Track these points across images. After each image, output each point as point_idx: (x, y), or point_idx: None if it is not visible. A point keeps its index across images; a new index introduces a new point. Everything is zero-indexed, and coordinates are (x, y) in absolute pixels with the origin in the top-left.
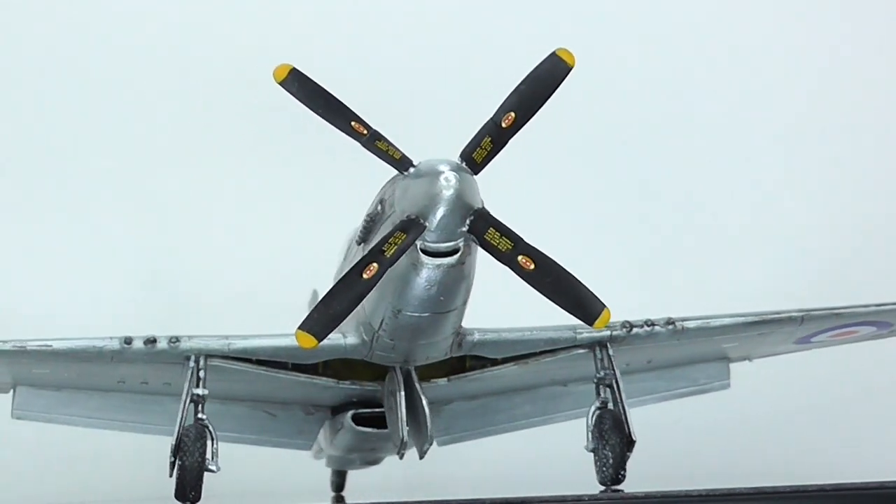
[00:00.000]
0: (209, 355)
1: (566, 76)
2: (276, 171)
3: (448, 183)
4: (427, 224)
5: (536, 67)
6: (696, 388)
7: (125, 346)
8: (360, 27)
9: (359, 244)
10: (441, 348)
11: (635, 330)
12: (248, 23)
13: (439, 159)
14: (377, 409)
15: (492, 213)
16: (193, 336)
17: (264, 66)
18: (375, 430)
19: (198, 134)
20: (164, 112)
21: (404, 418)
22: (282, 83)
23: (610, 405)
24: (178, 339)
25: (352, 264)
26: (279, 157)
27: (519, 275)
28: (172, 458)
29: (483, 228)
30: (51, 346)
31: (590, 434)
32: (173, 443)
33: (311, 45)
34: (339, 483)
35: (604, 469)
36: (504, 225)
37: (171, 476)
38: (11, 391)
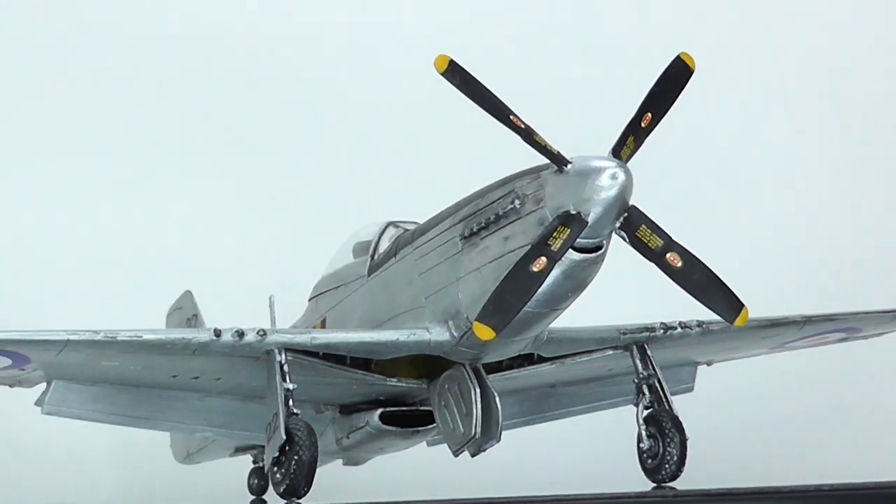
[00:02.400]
0: (289, 349)
1: (689, 78)
2: (276, 171)
3: (615, 180)
4: (588, 220)
5: (665, 71)
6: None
7: (214, 338)
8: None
9: (464, 238)
10: (526, 346)
11: (670, 332)
12: (247, 22)
13: (600, 156)
14: (404, 408)
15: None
16: (278, 329)
17: (264, 66)
18: (400, 429)
19: (198, 133)
20: (165, 111)
21: (480, 415)
22: (443, 74)
23: (661, 404)
24: (265, 332)
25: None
26: (280, 157)
27: (666, 272)
28: (277, 455)
29: (635, 225)
30: (141, 336)
31: (643, 433)
32: (281, 438)
33: (311, 45)
34: (264, 486)
35: (667, 466)
36: (655, 223)
37: (272, 472)
38: (45, 385)
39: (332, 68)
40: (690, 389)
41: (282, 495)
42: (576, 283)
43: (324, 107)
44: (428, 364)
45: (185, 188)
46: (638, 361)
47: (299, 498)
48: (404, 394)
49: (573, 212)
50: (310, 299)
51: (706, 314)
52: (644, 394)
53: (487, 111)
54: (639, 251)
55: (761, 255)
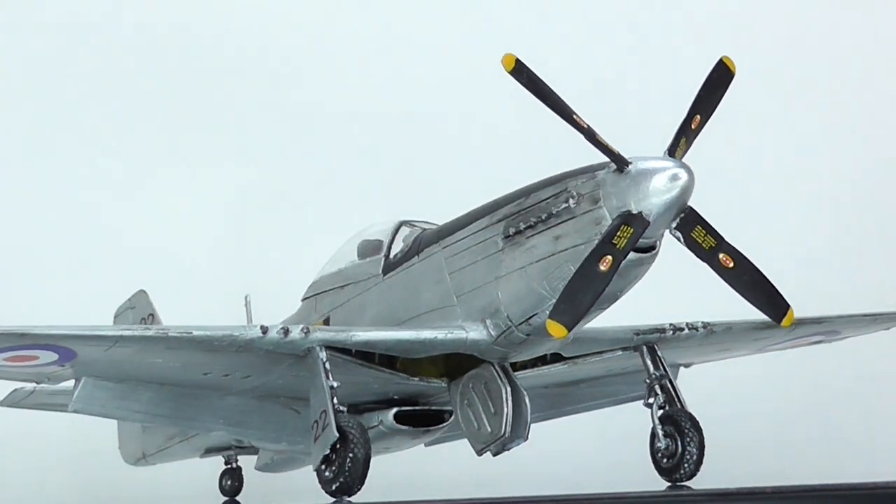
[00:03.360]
0: (328, 347)
1: (731, 81)
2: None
3: (677, 181)
4: (649, 219)
5: (709, 75)
6: (637, 393)
7: (261, 335)
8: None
9: (507, 237)
10: (558, 345)
11: (678, 332)
12: (249, 21)
13: (661, 157)
14: (417, 408)
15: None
16: (320, 327)
17: (263, 65)
18: (412, 429)
19: (199, 133)
20: (165, 111)
21: (510, 413)
22: (511, 72)
23: (673, 404)
24: (308, 330)
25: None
26: (280, 158)
27: (718, 272)
28: (328, 452)
29: (691, 226)
30: (191, 333)
31: (660, 432)
32: (334, 436)
33: (310, 44)
34: (238, 487)
35: (686, 466)
36: (710, 224)
37: (320, 470)
38: (75, 383)
39: (332, 68)
40: None
41: (333, 493)
42: (627, 281)
43: (323, 107)
44: (448, 363)
45: (177, 188)
46: (648, 361)
47: (351, 496)
48: (421, 393)
49: (634, 211)
50: (305, 298)
51: (687, 317)
52: (657, 394)
53: (552, 109)
54: (692, 251)
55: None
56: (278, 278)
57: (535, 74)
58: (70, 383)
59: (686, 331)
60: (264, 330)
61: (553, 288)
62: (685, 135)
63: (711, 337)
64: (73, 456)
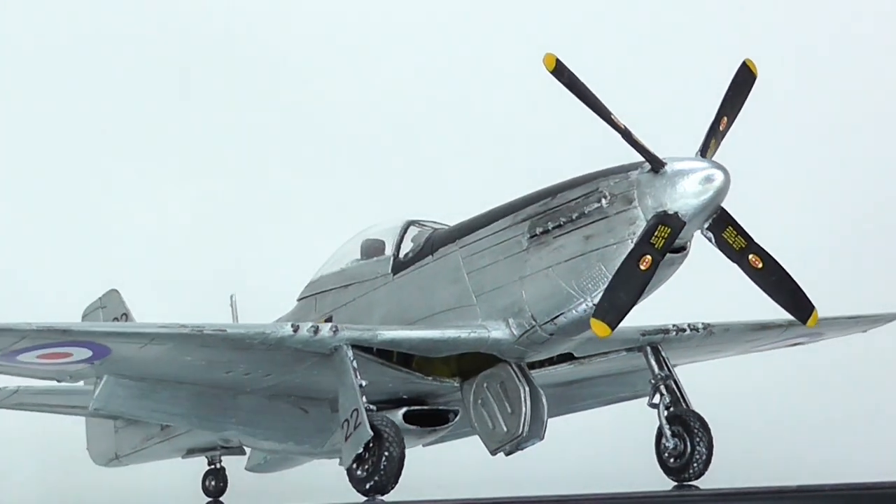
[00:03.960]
0: (354, 345)
1: (753, 83)
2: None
3: (714, 182)
4: (685, 220)
5: (734, 78)
6: (633, 393)
7: (292, 333)
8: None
9: (533, 237)
10: (574, 345)
11: (680, 333)
12: (246, 16)
13: (698, 158)
14: (424, 407)
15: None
16: (347, 326)
17: (262, 65)
18: (419, 428)
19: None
20: (166, 111)
21: (529, 413)
22: (552, 72)
23: (679, 404)
24: (337, 328)
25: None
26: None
27: (747, 272)
28: (360, 451)
29: (722, 227)
30: (225, 330)
31: (668, 432)
32: (368, 434)
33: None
34: (222, 488)
35: (695, 465)
36: (740, 225)
37: (351, 469)
38: (96, 381)
39: (330, 69)
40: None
41: (366, 492)
42: (658, 281)
43: (310, 107)
44: (460, 363)
45: (153, 188)
46: (653, 362)
47: (384, 495)
48: (432, 392)
49: (671, 212)
50: (302, 298)
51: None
52: (663, 394)
53: (591, 109)
54: (723, 252)
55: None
56: (253, 278)
57: (574, 75)
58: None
59: (688, 331)
60: (295, 328)
61: (581, 287)
62: (714, 136)
63: (710, 338)
64: (50, 457)
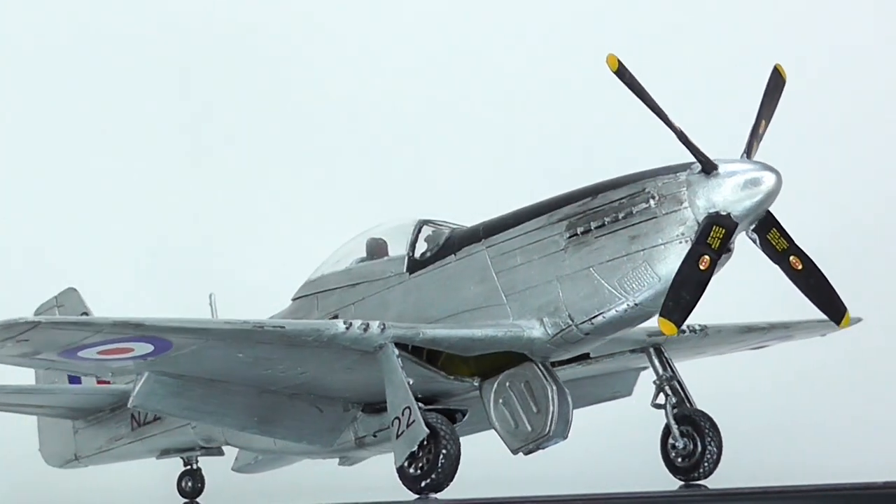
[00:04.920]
0: (397, 343)
1: (784, 86)
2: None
3: (766, 185)
4: (737, 221)
5: (767, 84)
6: (612, 394)
7: (344, 330)
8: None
9: (572, 237)
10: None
11: (680, 334)
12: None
13: (749, 160)
14: (438, 407)
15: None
16: (392, 323)
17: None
18: None
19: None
20: (167, 110)
21: (556, 411)
22: (615, 73)
23: (684, 404)
24: (385, 326)
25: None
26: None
27: (787, 273)
28: (415, 449)
29: (767, 228)
30: (283, 327)
31: (677, 432)
32: (424, 432)
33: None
34: (200, 488)
35: (706, 465)
36: (783, 226)
37: (403, 467)
38: (136, 378)
39: (327, 68)
40: (629, 394)
41: (420, 491)
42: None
43: (315, 109)
44: (480, 362)
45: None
46: (656, 362)
47: (438, 493)
48: (447, 392)
49: (723, 213)
50: (299, 297)
51: None
52: (668, 394)
53: (650, 108)
54: (766, 253)
55: None
56: (230, 277)
57: (633, 76)
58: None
59: (688, 333)
60: (347, 325)
61: (624, 287)
62: (755, 139)
63: (705, 339)
64: (17, 457)
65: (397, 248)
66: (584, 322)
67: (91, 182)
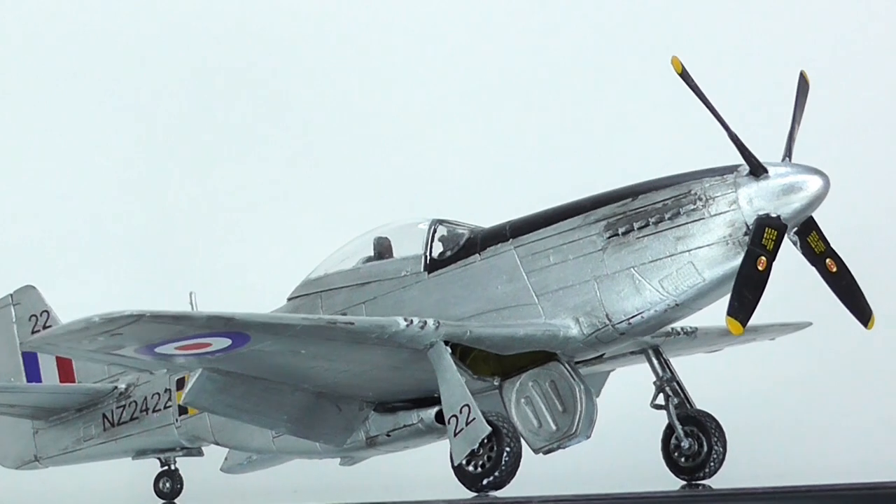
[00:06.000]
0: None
1: (808, 91)
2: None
3: (815, 189)
4: (786, 223)
5: (798, 90)
6: None
7: (406, 326)
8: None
9: (612, 236)
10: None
11: (674, 336)
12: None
13: (798, 164)
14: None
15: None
16: (444, 321)
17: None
18: (444, 426)
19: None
20: (167, 111)
21: (583, 410)
22: (680, 75)
23: (684, 405)
24: (439, 324)
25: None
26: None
27: (823, 274)
28: (476, 447)
29: (808, 231)
30: (353, 323)
31: (681, 432)
32: (486, 429)
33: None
34: (179, 489)
35: (711, 464)
36: (822, 230)
37: (461, 466)
38: (190, 375)
39: (324, 67)
40: (597, 395)
41: (481, 489)
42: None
43: (306, 109)
44: (502, 362)
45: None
46: (655, 363)
47: (499, 490)
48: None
49: (773, 215)
50: (298, 296)
51: None
52: (669, 395)
53: (709, 110)
54: (805, 255)
55: None
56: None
57: (693, 79)
58: None
59: (681, 335)
60: (409, 322)
61: (666, 288)
62: (793, 143)
63: (694, 341)
64: None
65: (407, 248)
66: (621, 322)
67: (79, 180)
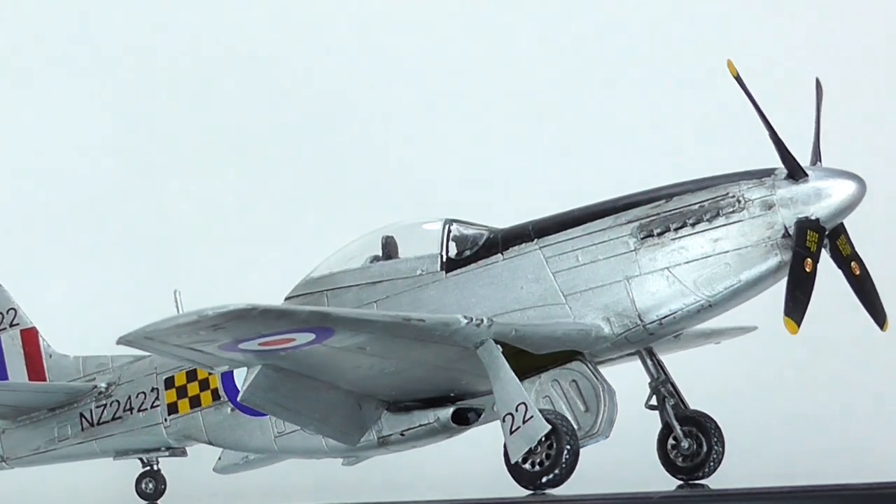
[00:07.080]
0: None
1: (823, 97)
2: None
3: (853, 193)
4: (825, 226)
5: (817, 96)
6: None
7: (464, 324)
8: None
9: (646, 237)
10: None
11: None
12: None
13: (840, 169)
14: (463, 405)
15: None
16: (495, 320)
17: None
18: (458, 427)
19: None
20: (169, 112)
21: (606, 410)
22: (735, 78)
23: (679, 406)
24: (491, 321)
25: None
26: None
27: (848, 277)
28: (534, 445)
29: (838, 234)
30: (424, 321)
31: (680, 433)
32: (545, 427)
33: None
34: (162, 490)
35: (711, 464)
36: (849, 233)
37: (518, 465)
38: (248, 371)
39: (321, 68)
40: None
41: (539, 487)
42: (774, 281)
43: (304, 108)
44: (519, 361)
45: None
46: (649, 364)
47: (557, 488)
48: (477, 391)
49: (812, 218)
50: (298, 295)
51: None
52: (665, 396)
53: (757, 113)
54: (833, 258)
55: None
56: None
57: (744, 82)
58: None
59: (671, 337)
60: (468, 320)
61: (700, 288)
62: (818, 145)
63: (676, 342)
64: None
65: (418, 247)
66: (652, 322)
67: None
